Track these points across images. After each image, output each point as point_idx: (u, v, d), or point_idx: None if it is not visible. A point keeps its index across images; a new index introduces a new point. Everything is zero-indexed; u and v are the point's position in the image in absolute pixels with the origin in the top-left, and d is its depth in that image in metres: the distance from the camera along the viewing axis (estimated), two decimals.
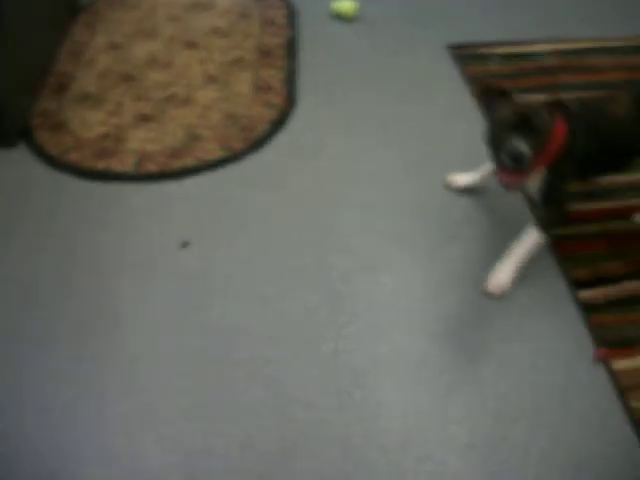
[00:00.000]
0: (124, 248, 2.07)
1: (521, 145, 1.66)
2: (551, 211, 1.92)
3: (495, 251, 2.04)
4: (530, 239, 1.92)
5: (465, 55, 2.89)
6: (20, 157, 2.43)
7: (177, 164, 2.32)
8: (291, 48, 2.88)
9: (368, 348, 1.81)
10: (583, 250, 2.08)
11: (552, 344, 1.84)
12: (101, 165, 2.34)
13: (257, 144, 2.40)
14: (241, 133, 2.43)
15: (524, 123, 1.69)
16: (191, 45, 2.91)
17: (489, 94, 1.82)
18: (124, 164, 2.33)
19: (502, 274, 1.94)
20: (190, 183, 2.27)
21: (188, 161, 2.33)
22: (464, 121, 2.49)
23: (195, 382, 1.74)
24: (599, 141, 1.87)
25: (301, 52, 2.88)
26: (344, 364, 1.77)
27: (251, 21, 3.06)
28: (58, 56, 2.93)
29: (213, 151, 2.36)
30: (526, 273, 2.00)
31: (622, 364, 1.79)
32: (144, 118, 2.52)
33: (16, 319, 1.88)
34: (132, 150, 2.38)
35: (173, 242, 2.08)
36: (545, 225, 1.91)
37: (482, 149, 1.86)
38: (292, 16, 3.10)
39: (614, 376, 1.76)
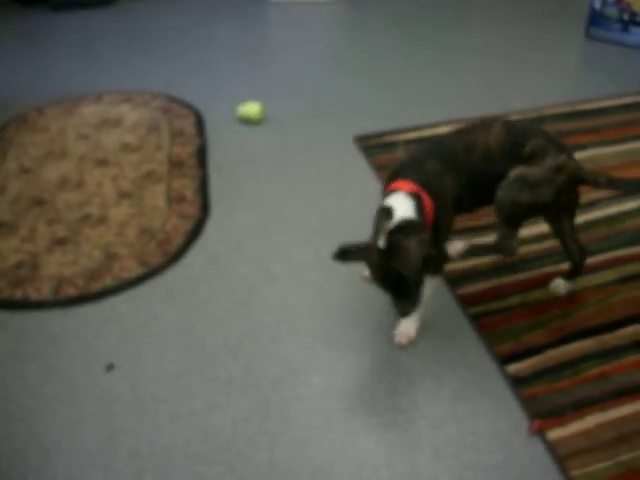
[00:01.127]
0: (47, 377, 2.01)
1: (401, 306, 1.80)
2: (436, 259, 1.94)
3: (420, 334, 2.08)
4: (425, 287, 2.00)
5: (372, 145, 2.99)
6: None
7: (96, 286, 2.29)
8: (202, 156, 2.93)
9: (305, 454, 1.79)
10: (505, 324, 2.13)
11: (487, 422, 1.85)
12: (18, 294, 2.30)
13: (175, 257, 2.40)
14: (158, 247, 2.43)
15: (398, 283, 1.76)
16: (102, 163, 2.93)
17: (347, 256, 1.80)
18: (41, 291, 2.29)
19: (406, 325, 2.06)
20: (111, 303, 2.24)
21: (107, 281, 2.31)
22: (374, 210, 2.56)
23: None
24: (469, 176, 1.97)
25: (212, 159, 2.93)
26: (282, 473, 1.74)
27: (160, 133, 3.11)
28: None
29: (131, 268, 2.35)
30: (452, 354, 2.03)
31: (556, 433, 1.81)
32: (59, 242, 2.50)
33: None
34: (49, 276, 2.35)
35: (98, 366, 2.04)
36: (433, 271, 2.00)
37: None
38: (200, 124, 3.17)
39: (550, 447, 1.78)
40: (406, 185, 1.87)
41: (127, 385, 1.98)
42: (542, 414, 1.85)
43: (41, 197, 2.76)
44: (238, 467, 1.76)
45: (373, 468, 1.75)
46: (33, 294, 2.29)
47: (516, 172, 1.96)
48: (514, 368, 1.99)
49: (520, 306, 2.19)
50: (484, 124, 2.03)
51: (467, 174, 1.96)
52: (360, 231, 2.33)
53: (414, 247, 1.72)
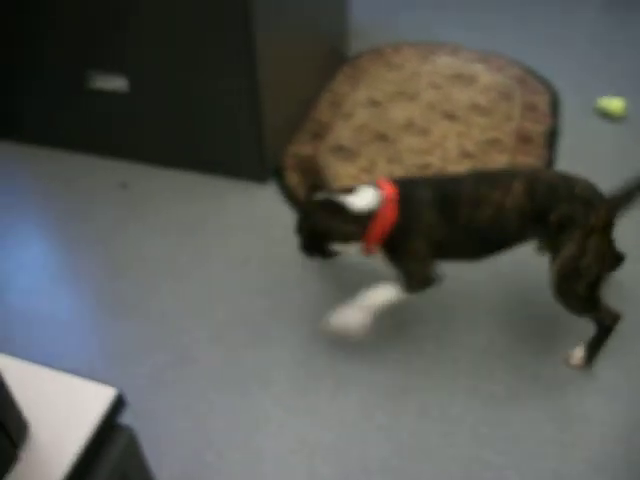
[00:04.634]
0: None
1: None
2: (409, 280, 1.88)
3: None
4: (387, 292, 1.90)
5: None
6: (269, 194, 2.55)
7: None
8: (551, 138, 2.80)
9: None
10: None
11: None
12: None
13: None
14: None
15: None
16: (450, 116, 2.92)
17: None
18: None
19: (346, 315, 1.92)
20: None
21: None
22: None
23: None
24: (461, 230, 1.82)
25: (561, 144, 2.79)
26: None
27: (512, 103, 3.02)
28: (318, 104, 3.06)
29: None
30: None
31: None
32: None
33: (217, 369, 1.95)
34: None
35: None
36: (407, 289, 1.89)
37: None
38: (555, 104, 3.03)
39: None
40: (388, 187, 1.87)
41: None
42: None
43: (385, 133, 2.83)
44: (523, 467, 1.71)
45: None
46: None
47: (556, 268, 1.78)
48: None
49: None
50: (504, 178, 1.81)
51: (461, 227, 1.82)
52: None
53: (304, 216, 1.94)
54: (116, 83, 2.57)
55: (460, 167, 2.60)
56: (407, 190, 1.87)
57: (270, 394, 1.88)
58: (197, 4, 2.21)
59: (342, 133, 2.85)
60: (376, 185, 1.89)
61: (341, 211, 1.89)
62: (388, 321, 2.05)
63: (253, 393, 1.88)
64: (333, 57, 3.31)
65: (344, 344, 2.00)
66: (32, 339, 2.08)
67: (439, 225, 1.83)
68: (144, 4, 2.29)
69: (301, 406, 1.85)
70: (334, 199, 1.90)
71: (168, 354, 2.01)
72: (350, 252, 1.93)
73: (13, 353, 1.97)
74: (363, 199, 1.89)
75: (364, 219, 1.88)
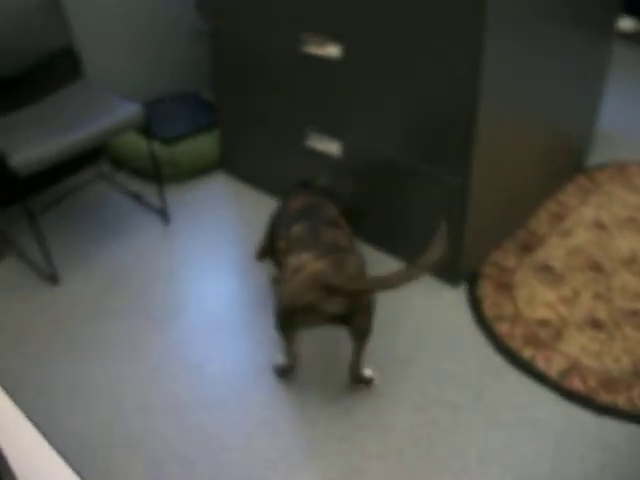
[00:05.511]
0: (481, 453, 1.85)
1: None
2: None
3: None
4: None
5: None
6: (454, 299, 2.37)
7: (606, 397, 2.00)
8: None
9: None
10: None
11: None
12: (527, 353, 2.15)
13: None
14: None
15: None
16: None
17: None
18: (550, 365, 2.10)
19: None
20: (611, 426, 1.93)
21: (620, 399, 1.99)
22: None
23: None
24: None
25: None
26: None
27: None
28: (538, 212, 2.82)
29: None
30: None
31: None
32: (594, 323, 2.25)
33: None
34: (565, 353, 2.14)
35: None
36: None
37: None
38: None
39: None
40: None
41: None
42: None
43: (601, 263, 2.52)
44: None
45: None
46: (540, 362, 2.12)
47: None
48: None
49: None
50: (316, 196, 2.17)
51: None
52: None
53: None
54: (330, 146, 2.58)
55: None
56: None
57: None
58: (419, 87, 2.14)
59: (553, 252, 2.59)
60: None
61: None
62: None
63: None
64: (568, 164, 3.05)
65: None
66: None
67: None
68: (368, 84, 2.29)
69: None
70: None
71: (337, 465, 1.89)
72: None
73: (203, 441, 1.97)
74: None
75: None
